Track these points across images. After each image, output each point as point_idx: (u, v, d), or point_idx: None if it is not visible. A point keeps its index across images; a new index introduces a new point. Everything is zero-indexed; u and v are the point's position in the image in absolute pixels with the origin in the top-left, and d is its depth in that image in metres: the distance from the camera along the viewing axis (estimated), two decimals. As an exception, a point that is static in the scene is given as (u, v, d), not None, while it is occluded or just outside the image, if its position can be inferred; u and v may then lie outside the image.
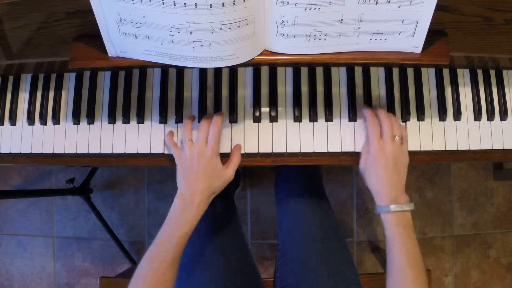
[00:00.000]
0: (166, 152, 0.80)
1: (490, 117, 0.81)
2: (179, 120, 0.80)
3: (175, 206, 0.73)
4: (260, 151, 0.79)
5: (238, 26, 0.63)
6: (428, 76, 0.82)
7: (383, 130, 0.76)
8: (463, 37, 0.73)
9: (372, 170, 0.75)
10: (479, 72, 0.82)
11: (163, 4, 0.59)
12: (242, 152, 0.79)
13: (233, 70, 0.81)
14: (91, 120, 0.81)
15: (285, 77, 0.82)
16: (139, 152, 0.79)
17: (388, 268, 0.71)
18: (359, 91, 0.81)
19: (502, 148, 0.80)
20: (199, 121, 0.79)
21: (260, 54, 0.70)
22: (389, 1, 0.63)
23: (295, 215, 0.94)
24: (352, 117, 0.80)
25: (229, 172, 0.76)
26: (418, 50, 0.70)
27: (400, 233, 0.71)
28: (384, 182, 0.73)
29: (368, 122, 0.77)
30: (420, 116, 0.80)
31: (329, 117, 0.80)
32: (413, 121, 0.80)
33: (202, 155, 0.74)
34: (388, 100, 0.81)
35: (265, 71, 0.82)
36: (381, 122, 0.76)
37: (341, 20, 0.65)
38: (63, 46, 0.74)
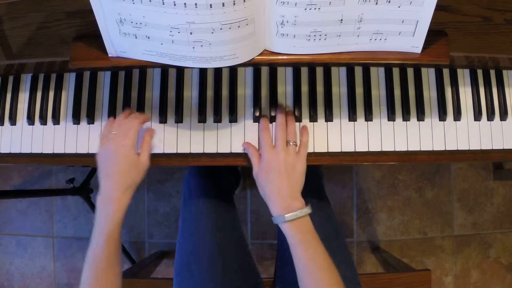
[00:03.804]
0: (165, 151, 0.80)
1: (490, 117, 0.81)
2: (179, 120, 0.80)
3: (96, 207, 0.71)
4: (260, 151, 0.79)
5: (238, 26, 0.63)
6: (428, 76, 0.82)
7: (275, 138, 0.75)
8: (463, 37, 0.73)
9: (264, 179, 0.73)
10: (479, 72, 0.82)
11: (163, 4, 0.59)
12: (241, 151, 0.79)
13: (233, 70, 0.81)
14: (91, 120, 0.81)
15: (285, 77, 0.82)
16: (139, 152, 0.79)
17: (299, 276, 0.69)
18: (359, 91, 0.81)
19: (502, 148, 0.81)
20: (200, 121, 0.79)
21: (260, 54, 0.70)
22: (389, 1, 0.63)
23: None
24: (352, 117, 0.80)
25: (143, 159, 0.74)
26: (418, 50, 0.70)
27: (302, 240, 0.69)
28: (276, 191, 0.72)
29: (260, 130, 0.77)
30: (420, 116, 0.80)
31: (329, 117, 0.80)
32: (413, 121, 0.80)
33: (119, 147, 0.71)
34: (388, 100, 0.81)
35: (265, 71, 0.82)
36: (274, 130, 0.76)
37: (341, 20, 0.65)
38: (63, 46, 0.74)
